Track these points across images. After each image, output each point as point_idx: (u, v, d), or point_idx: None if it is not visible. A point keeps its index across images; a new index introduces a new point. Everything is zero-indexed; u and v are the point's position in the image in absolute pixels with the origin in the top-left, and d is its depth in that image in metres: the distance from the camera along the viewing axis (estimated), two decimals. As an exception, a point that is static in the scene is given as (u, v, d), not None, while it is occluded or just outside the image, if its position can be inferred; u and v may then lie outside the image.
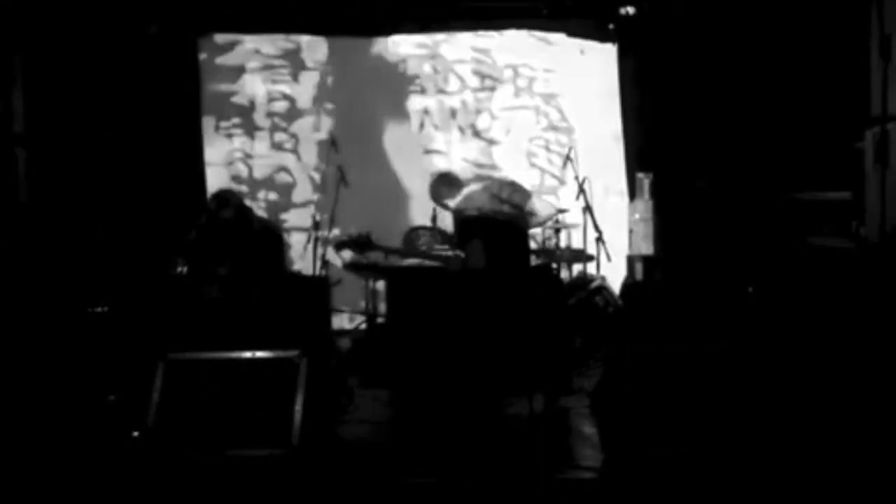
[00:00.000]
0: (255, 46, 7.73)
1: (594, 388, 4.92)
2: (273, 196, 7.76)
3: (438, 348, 4.53)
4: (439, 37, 7.76)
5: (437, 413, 4.51)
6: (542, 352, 4.56)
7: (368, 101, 7.76)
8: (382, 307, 6.63)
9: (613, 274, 6.64)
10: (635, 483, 3.65)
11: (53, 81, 6.45)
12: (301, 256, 7.04)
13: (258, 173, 7.76)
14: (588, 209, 6.33)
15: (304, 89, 7.75)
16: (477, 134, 7.81)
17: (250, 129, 7.75)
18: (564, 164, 6.78)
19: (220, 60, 7.71)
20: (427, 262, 5.13)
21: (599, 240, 6.25)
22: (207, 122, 7.69)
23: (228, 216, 5.30)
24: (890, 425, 3.87)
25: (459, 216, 5.11)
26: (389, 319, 5.42)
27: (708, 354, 3.91)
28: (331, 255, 6.47)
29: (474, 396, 4.55)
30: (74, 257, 5.99)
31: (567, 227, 6.72)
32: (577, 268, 7.00)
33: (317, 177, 7.69)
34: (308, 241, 6.55)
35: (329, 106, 7.78)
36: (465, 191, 5.14)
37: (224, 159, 7.72)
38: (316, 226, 6.41)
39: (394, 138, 7.78)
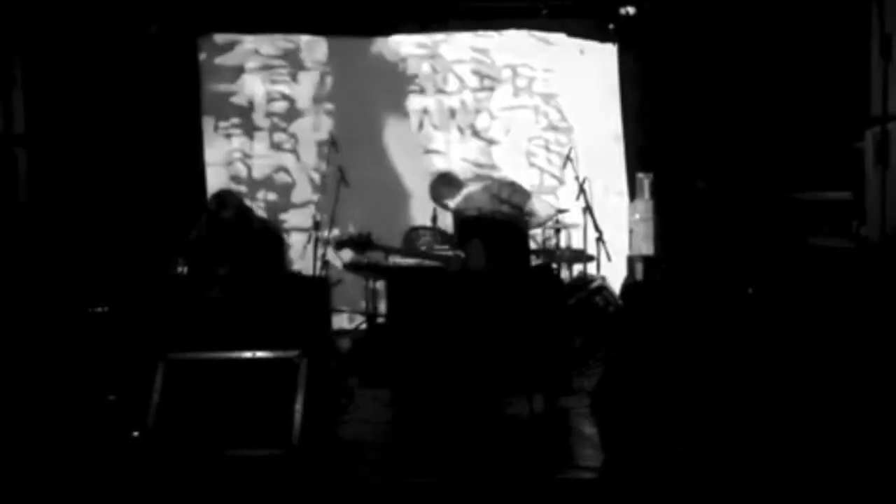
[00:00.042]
0: (255, 46, 7.73)
1: (594, 388, 4.92)
2: (272, 196, 7.76)
3: (438, 348, 4.54)
4: (439, 37, 7.76)
5: (437, 413, 4.51)
6: (542, 352, 4.56)
7: (368, 101, 7.76)
8: (382, 307, 6.63)
9: (613, 274, 6.64)
10: (635, 483, 3.65)
11: (53, 81, 6.44)
12: (301, 256, 7.05)
13: (257, 173, 7.76)
14: (588, 209, 6.33)
15: (304, 89, 7.75)
16: (476, 134, 7.81)
17: (250, 130, 7.74)
18: (564, 164, 6.78)
19: (220, 60, 7.71)
20: (427, 262, 5.12)
21: (599, 240, 6.25)
22: (207, 123, 7.69)
23: (228, 216, 5.31)
24: (890, 425, 3.87)
25: (459, 216, 5.11)
26: (389, 319, 5.43)
27: (708, 354, 3.91)
28: (331, 255, 6.48)
29: (474, 396, 4.56)
30: (74, 257, 5.98)
31: (567, 227, 6.71)
32: (577, 268, 6.99)
33: (316, 177, 7.69)
34: (308, 241, 6.55)
35: (328, 106, 7.77)
36: (465, 191, 5.14)
37: (223, 159, 7.72)
38: (316, 226, 6.41)
39: (393, 138, 7.78)
